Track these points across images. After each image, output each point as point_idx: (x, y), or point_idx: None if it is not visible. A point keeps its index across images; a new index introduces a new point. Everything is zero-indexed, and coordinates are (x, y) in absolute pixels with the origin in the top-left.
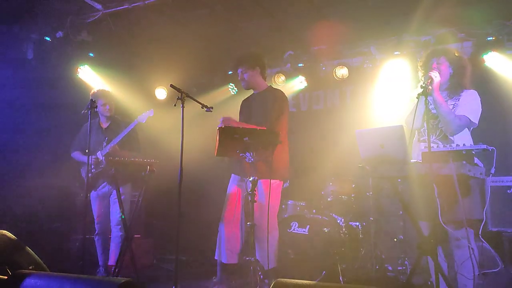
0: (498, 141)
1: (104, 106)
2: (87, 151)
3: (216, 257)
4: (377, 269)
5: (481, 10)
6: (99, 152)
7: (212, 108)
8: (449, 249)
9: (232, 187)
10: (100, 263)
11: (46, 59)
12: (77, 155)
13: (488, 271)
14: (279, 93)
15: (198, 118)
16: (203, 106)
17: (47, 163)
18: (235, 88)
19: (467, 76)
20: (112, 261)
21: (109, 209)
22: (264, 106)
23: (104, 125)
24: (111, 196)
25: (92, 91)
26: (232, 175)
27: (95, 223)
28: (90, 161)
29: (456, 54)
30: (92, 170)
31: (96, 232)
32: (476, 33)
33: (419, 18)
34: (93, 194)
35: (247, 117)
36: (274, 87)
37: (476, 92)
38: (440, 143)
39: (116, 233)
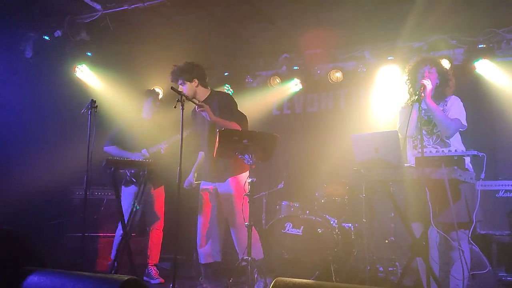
0: (488, 146)
1: (154, 103)
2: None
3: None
4: (369, 269)
5: (472, 18)
6: (144, 149)
7: None
8: (440, 251)
9: (203, 192)
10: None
11: (45, 58)
12: (112, 149)
13: (477, 272)
14: (227, 95)
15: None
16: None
17: (45, 160)
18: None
19: (451, 86)
20: (154, 260)
21: (145, 208)
22: (221, 108)
23: (143, 123)
24: (148, 196)
25: (148, 89)
26: (202, 182)
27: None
28: (132, 157)
29: (444, 67)
30: (132, 170)
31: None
32: (467, 41)
33: (412, 24)
34: (123, 190)
35: (202, 125)
36: (216, 90)
37: (458, 97)
38: (439, 147)
39: (155, 231)
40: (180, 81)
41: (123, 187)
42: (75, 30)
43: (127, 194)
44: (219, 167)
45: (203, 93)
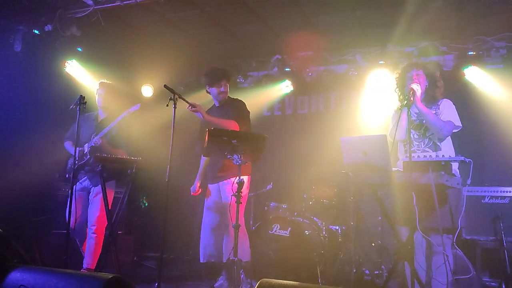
0: (475, 153)
1: (99, 95)
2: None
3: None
4: (355, 272)
5: (462, 25)
6: (87, 144)
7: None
8: (425, 255)
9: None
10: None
11: (34, 52)
12: (68, 145)
13: (461, 277)
14: (239, 101)
15: (185, 118)
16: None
17: (31, 156)
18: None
19: (440, 88)
20: (87, 264)
21: (88, 207)
22: (233, 112)
23: (101, 117)
24: (90, 194)
25: (101, 81)
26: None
27: (71, 219)
28: (76, 153)
29: (430, 69)
30: (76, 162)
31: (72, 228)
32: (457, 47)
33: (403, 29)
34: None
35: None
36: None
37: (450, 100)
38: (431, 151)
39: (90, 234)
40: (224, 81)
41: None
42: (66, 24)
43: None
44: (221, 168)
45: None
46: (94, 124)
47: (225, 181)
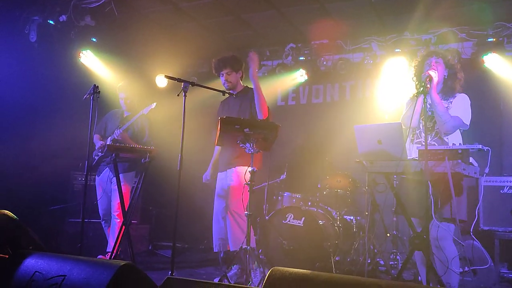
0: (494, 141)
1: (120, 99)
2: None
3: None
4: (369, 263)
5: (482, 11)
6: (110, 137)
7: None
8: (441, 245)
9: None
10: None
11: (49, 42)
12: (96, 138)
13: (478, 267)
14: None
15: (198, 108)
16: (224, 92)
17: (47, 146)
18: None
19: (460, 80)
20: (110, 247)
21: (111, 195)
22: (250, 103)
23: (125, 114)
24: (112, 184)
25: (119, 84)
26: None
27: (99, 209)
28: (98, 145)
29: (451, 60)
30: (98, 154)
31: (101, 218)
32: (476, 34)
33: (420, 16)
34: (96, 179)
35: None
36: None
37: (468, 96)
38: (436, 144)
39: (114, 220)
40: (227, 70)
41: (96, 176)
42: (80, 15)
43: (99, 182)
44: (231, 157)
45: (240, 87)
46: (119, 120)
47: (233, 168)
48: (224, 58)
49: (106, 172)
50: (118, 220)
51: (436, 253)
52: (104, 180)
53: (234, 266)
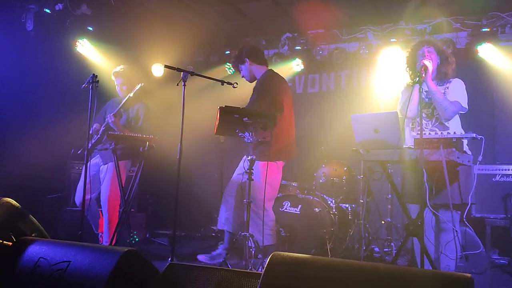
0: (487, 130)
1: (116, 85)
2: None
3: None
4: (364, 249)
5: (476, 1)
6: (103, 124)
7: (236, 83)
8: (435, 231)
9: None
10: (96, 231)
11: (45, 31)
12: (94, 127)
13: (470, 252)
14: (263, 75)
15: (197, 96)
16: (222, 82)
17: (45, 134)
18: (232, 69)
19: (452, 64)
20: (105, 241)
21: (97, 182)
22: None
23: (123, 100)
24: (100, 172)
25: (114, 70)
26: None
27: (76, 194)
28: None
29: (441, 46)
30: (94, 136)
31: (77, 204)
32: (471, 24)
33: (415, 6)
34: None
35: None
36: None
37: (462, 80)
38: (437, 130)
39: (104, 212)
40: (236, 69)
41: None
42: (76, 3)
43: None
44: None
45: (260, 70)
46: (117, 107)
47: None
48: (230, 61)
49: (96, 159)
50: (108, 213)
51: (431, 239)
52: (93, 167)
53: (220, 246)
